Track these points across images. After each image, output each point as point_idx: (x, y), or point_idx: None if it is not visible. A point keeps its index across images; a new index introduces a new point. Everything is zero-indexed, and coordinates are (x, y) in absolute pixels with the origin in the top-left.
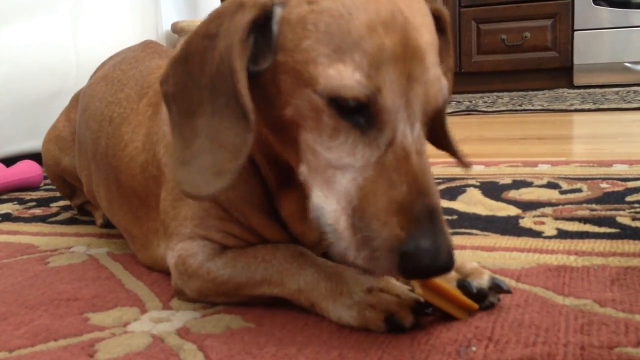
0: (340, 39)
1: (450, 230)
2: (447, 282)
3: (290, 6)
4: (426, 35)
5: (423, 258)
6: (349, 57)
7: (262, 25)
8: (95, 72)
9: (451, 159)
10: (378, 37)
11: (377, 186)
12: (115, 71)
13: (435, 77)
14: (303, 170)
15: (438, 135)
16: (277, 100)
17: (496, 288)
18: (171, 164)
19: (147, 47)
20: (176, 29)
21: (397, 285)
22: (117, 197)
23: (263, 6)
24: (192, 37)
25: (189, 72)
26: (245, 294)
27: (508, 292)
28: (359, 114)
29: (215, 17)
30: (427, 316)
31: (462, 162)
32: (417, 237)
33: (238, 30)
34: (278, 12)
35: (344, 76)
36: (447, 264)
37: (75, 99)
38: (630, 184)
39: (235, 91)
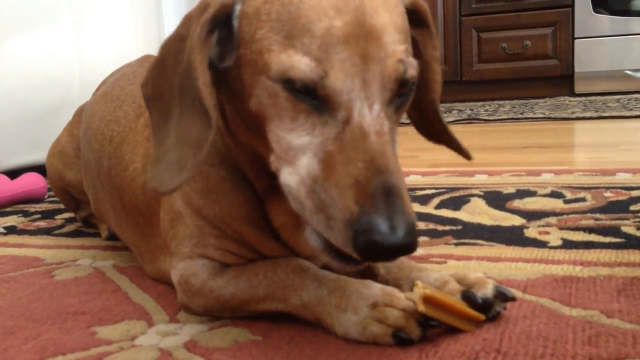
0: (290, 26)
1: (414, 209)
2: (451, 294)
3: (247, 2)
4: (384, 15)
5: (376, 235)
6: (298, 42)
7: (224, 23)
8: (97, 89)
9: (452, 168)
10: (327, 20)
11: (335, 160)
12: (114, 88)
13: (393, 53)
14: (273, 159)
15: (435, 129)
16: (242, 95)
17: (501, 296)
18: (150, 164)
19: (145, 61)
20: None
21: (402, 299)
22: (123, 214)
23: (223, 3)
24: (166, 41)
25: (164, 74)
26: (249, 309)
27: (513, 299)
28: (312, 96)
29: (186, 20)
30: (434, 328)
31: (464, 154)
32: (371, 213)
33: (199, 27)
34: (238, 7)
35: (293, 59)
36: (404, 243)
37: (78, 113)
38: (634, 193)
39: (195, 88)
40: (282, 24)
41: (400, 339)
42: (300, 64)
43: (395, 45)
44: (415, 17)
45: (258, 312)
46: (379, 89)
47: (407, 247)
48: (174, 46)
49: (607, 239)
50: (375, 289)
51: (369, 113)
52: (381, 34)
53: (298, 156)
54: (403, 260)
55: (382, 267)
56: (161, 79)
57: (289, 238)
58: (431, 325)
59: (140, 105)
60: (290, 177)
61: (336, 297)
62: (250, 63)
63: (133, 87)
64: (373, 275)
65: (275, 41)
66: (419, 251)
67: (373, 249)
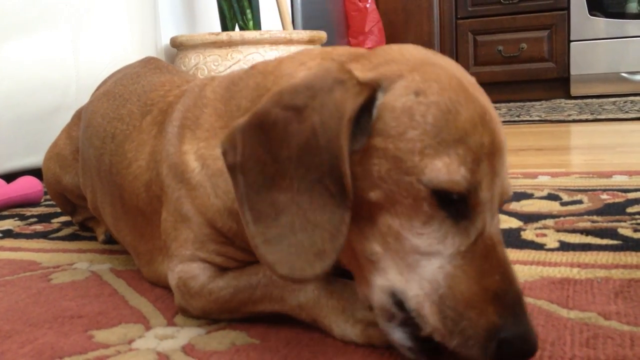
0: (447, 133)
1: None
2: None
3: (395, 94)
4: (503, 135)
5: (520, 344)
6: (453, 151)
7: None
8: (96, 90)
9: None
10: (478, 134)
11: (467, 275)
12: (117, 87)
13: (507, 172)
14: (377, 249)
15: None
16: (361, 182)
17: None
18: (252, 242)
19: (149, 63)
20: (175, 43)
21: None
22: (122, 214)
23: (370, 91)
24: (268, 106)
25: (265, 143)
26: (247, 311)
27: None
28: (455, 205)
29: (303, 89)
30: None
31: None
32: (514, 324)
33: (346, 110)
34: (380, 97)
35: (451, 170)
36: (536, 347)
37: (77, 116)
38: (631, 195)
39: (340, 171)
40: (438, 130)
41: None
42: (457, 175)
43: (507, 165)
44: None
45: (255, 314)
46: (498, 202)
47: (537, 351)
48: (282, 114)
49: (604, 241)
50: None
51: (492, 225)
52: (505, 151)
53: (421, 263)
54: None
55: None
56: (258, 148)
57: None
58: None
59: (146, 104)
60: (407, 285)
61: (333, 299)
62: (391, 159)
63: (137, 86)
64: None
65: (429, 145)
66: None
67: (518, 356)
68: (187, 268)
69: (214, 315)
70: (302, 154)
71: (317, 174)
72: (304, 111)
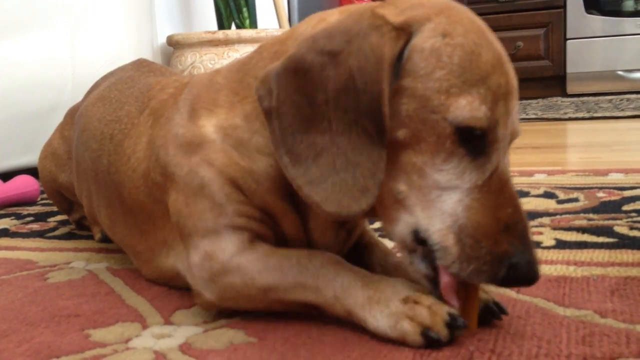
0: (470, 73)
1: None
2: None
3: (423, 36)
4: (515, 75)
5: (526, 269)
6: (475, 90)
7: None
8: (88, 93)
9: None
10: (497, 75)
11: (484, 207)
12: (112, 92)
13: (517, 112)
14: (402, 188)
15: None
16: (390, 121)
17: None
18: (294, 184)
19: (141, 66)
20: (171, 42)
21: (429, 297)
22: (120, 214)
23: (407, 36)
24: (302, 51)
25: (300, 87)
26: (274, 298)
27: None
28: (474, 142)
29: (338, 34)
30: (459, 329)
31: None
32: (521, 252)
33: (385, 54)
34: (411, 39)
35: (474, 107)
36: (539, 274)
37: (70, 115)
38: (627, 193)
39: (380, 111)
40: (462, 70)
41: (429, 339)
42: (480, 112)
43: (517, 105)
44: None
45: (283, 303)
46: (509, 141)
47: (539, 277)
48: (318, 59)
49: (600, 239)
50: (406, 283)
51: (504, 161)
52: (516, 94)
53: (442, 197)
54: (400, 261)
55: (378, 266)
56: (294, 92)
57: (318, 226)
58: (458, 327)
59: (143, 102)
60: (431, 222)
61: (370, 289)
62: (419, 98)
63: (133, 89)
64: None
65: (454, 85)
66: None
67: (524, 280)
68: (214, 241)
69: (231, 302)
70: (339, 97)
71: (355, 115)
72: (340, 55)
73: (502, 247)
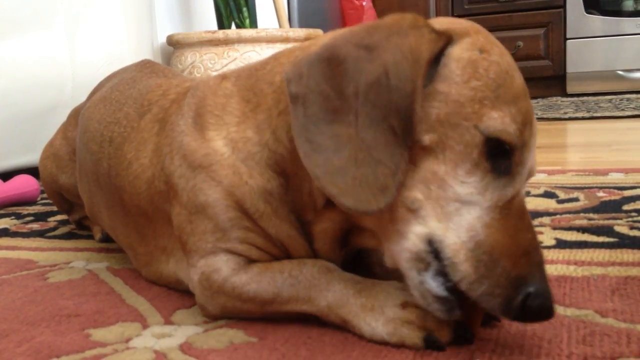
0: (503, 91)
1: None
2: None
3: (462, 47)
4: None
5: (543, 300)
6: (507, 108)
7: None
8: (92, 93)
9: None
10: (526, 101)
11: (505, 228)
12: (113, 93)
13: (535, 150)
14: (418, 197)
15: None
16: (417, 125)
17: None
18: (312, 173)
19: (144, 67)
20: (171, 41)
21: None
22: (121, 216)
23: (446, 40)
24: (339, 42)
25: (331, 77)
26: (271, 310)
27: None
28: (500, 160)
29: (376, 30)
30: (465, 335)
31: None
32: (540, 281)
33: (423, 53)
34: (448, 48)
35: (505, 122)
36: (554, 311)
37: (73, 116)
38: (627, 193)
39: (410, 110)
40: (497, 85)
41: (430, 343)
42: (511, 128)
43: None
44: None
45: (281, 314)
46: (526, 177)
47: (554, 314)
48: (354, 52)
49: (601, 239)
50: (400, 288)
51: (522, 191)
52: (536, 131)
53: (460, 212)
54: None
55: (378, 266)
56: (323, 81)
57: (324, 245)
58: (464, 336)
59: (143, 105)
60: (446, 234)
61: (362, 297)
62: (452, 103)
63: (133, 90)
64: (370, 273)
65: (488, 97)
66: None
67: (540, 312)
68: (210, 262)
69: (234, 315)
70: (369, 92)
71: (383, 112)
72: (377, 50)
73: (520, 270)
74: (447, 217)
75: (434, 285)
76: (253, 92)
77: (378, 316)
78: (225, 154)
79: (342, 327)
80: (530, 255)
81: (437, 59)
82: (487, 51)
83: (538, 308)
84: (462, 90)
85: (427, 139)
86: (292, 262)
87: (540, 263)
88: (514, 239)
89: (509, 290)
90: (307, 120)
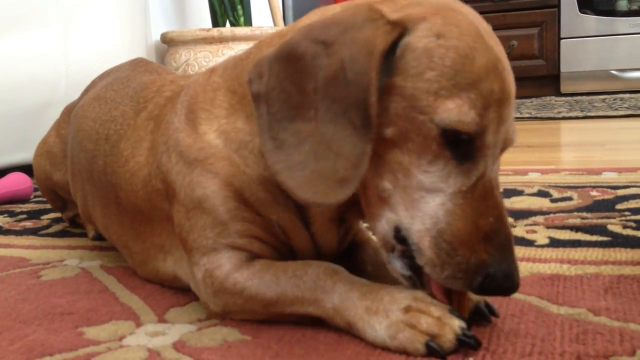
0: (461, 77)
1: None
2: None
3: (417, 35)
4: (513, 83)
5: (503, 279)
6: (465, 94)
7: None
8: (85, 91)
9: None
10: (490, 81)
11: (465, 213)
12: (107, 91)
13: (512, 120)
14: (387, 186)
15: None
16: (378, 119)
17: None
18: (273, 169)
19: (138, 65)
20: (166, 39)
21: (439, 306)
22: (116, 215)
23: (400, 30)
24: (297, 39)
25: (291, 74)
26: (274, 312)
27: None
28: (461, 147)
29: (333, 25)
30: (468, 341)
31: None
32: (499, 262)
33: (377, 46)
34: (404, 37)
35: (462, 111)
36: (517, 285)
37: (66, 113)
38: (620, 192)
39: (367, 103)
40: (454, 72)
41: (432, 349)
42: (468, 116)
43: (513, 113)
44: None
45: (284, 316)
46: (501, 148)
47: (517, 288)
48: (311, 48)
49: (594, 238)
50: (408, 292)
51: (492, 169)
52: (512, 101)
53: (425, 199)
54: None
55: (369, 264)
56: (284, 78)
57: (323, 234)
58: (468, 343)
59: (139, 102)
60: (412, 221)
61: (367, 299)
62: (409, 97)
63: (129, 89)
64: (361, 271)
65: (444, 87)
66: None
67: (500, 291)
68: (212, 258)
69: (236, 315)
70: (328, 87)
71: (343, 106)
72: (333, 45)
73: (479, 256)
74: (413, 205)
75: (399, 265)
76: (238, 83)
77: (382, 319)
78: (219, 146)
79: (346, 331)
80: (490, 238)
81: (394, 50)
82: (443, 35)
83: (497, 287)
84: (417, 84)
85: (388, 132)
86: (297, 262)
87: (502, 243)
88: (474, 224)
89: (468, 274)
90: (270, 118)
